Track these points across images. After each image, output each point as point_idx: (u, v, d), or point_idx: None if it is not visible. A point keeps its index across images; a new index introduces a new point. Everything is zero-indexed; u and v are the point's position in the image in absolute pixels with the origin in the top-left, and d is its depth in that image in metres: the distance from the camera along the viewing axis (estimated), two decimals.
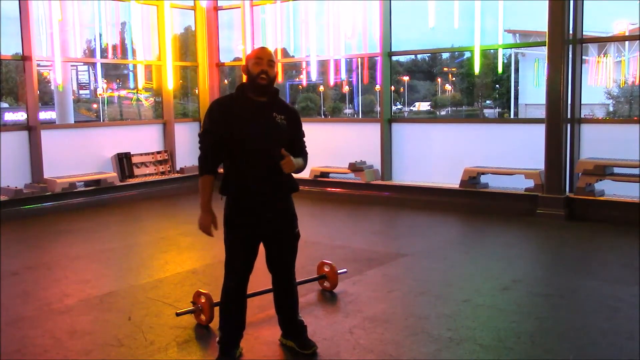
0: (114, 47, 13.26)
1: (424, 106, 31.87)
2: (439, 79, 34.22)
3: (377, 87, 11.43)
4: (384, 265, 5.72)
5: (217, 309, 4.09)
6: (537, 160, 7.85)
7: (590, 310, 4.50)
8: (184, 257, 6.29)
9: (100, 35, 13.95)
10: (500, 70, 17.68)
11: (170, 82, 10.52)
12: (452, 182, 8.47)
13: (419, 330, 4.08)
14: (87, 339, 4.06)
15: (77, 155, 9.36)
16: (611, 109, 22.46)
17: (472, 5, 8.42)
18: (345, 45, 9.74)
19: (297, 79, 25.36)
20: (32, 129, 8.77)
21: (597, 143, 7.68)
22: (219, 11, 11.05)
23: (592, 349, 3.79)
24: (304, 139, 3.75)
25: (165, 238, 7.12)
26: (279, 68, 10.31)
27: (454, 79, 33.15)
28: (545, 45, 7.71)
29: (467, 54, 22.33)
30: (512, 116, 25.61)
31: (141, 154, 10.06)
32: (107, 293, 5.02)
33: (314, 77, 11.11)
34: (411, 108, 32.30)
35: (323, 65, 10.55)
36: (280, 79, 10.92)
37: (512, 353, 3.71)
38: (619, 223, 7.10)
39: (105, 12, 10.38)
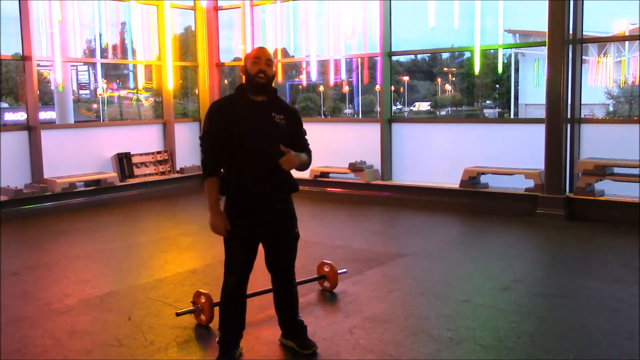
0: (114, 47, 13.27)
1: (424, 106, 31.87)
2: (439, 79, 34.23)
3: (377, 87, 11.43)
4: (384, 265, 5.72)
5: (217, 309, 4.09)
6: (537, 160, 7.85)
7: (590, 310, 4.50)
8: (184, 257, 6.29)
9: (100, 35, 13.96)
10: (500, 70, 17.67)
11: (170, 82, 10.52)
12: (452, 182, 8.47)
13: (419, 330, 4.08)
14: (87, 339, 4.06)
15: (77, 155, 9.36)
16: (611, 109, 22.47)
17: (472, 5, 8.43)
18: (345, 45, 9.74)
19: (297, 79, 25.35)
20: (32, 129, 8.77)
21: (597, 143, 7.68)
22: (219, 11, 11.05)
23: (592, 349, 3.79)
24: (306, 137, 3.74)
25: (165, 238, 7.12)
26: (279, 68, 10.32)
27: (454, 79, 33.16)
28: (545, 45, 7.71)
29: (467, 54, 22.34)
30: (512, 116, 25.62)
31: (141, 154, 10.07)
32: (107, 293, 5.02)
33: (314, 77, 11.12)
34: (411, 108, 32.31)
35: (323, 65, 10.56)
36: (280, 79, 10.94)
37: (512, 353, 3.71)
38: (619, 223, 7.10)
39: (105, 12, 10.39)
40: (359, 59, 13.17)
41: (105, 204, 9.18)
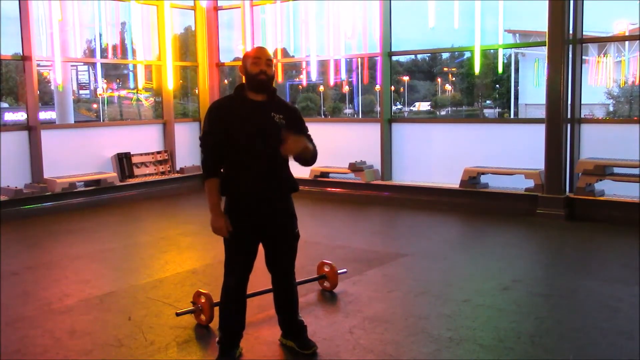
0: (114, 47, 13.27)
1: (424, 106, 31.87)
2: (439, 79, 34.22)
3: (377, 87, 11.43)
4: (384, 265, 5.72)
5: (217, 309, 4.10)
6: (537, 160, 7.85)
7: (590, 310, 4.50)
8: (184, 257, 6.29)
9: (100, 35, 13.97)
10: (500, 70, 17.67)
11: (170, 82, 10.52)
12: (452, 182, 8.47)
13: (419, 330, 4.08)
14: (87, 339, 4.06)
15: (77, 155, 9.36)
16: (611, 109, 22.46)
17: (472, 5, 8.43)
18: (345, 45, 9.74)
19: (297, 79, 25.34)
20: (32, 129, 8.77)
21: (597, 143, 7.68)
22: (219, 11, 11.05)
23: (592, 349, 3.79)
24: (309, 133, 3.73)
25: (165, 238, 7.12)
26: (279, 68, 10.32)
27: (454, 79, 33.15)
28: (545, 45, 7.71)
29: (467, 54, 22.34)
30: (512, 116, 25.61)
31: (141, 154, 10.07)
32: (107, 293, 5.02)
33: (314, 77, 11.11)
34: (411, 108, 32.30)
35: (323, 65, 10.56)
36: (280, 79, 10.94)
37: (512, 353, 3.71)
38: (619, 223, 7.10)
39: (105, 12, 10.39)
40: (359, 59, 13.17)
41: (105, 204, 9.18)
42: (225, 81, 13.62)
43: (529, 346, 3.81)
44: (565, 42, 7.53)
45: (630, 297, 4.66)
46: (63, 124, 12.17)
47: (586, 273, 5.52)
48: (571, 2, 7.48)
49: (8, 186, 8.33)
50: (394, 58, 12.85)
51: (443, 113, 30.65)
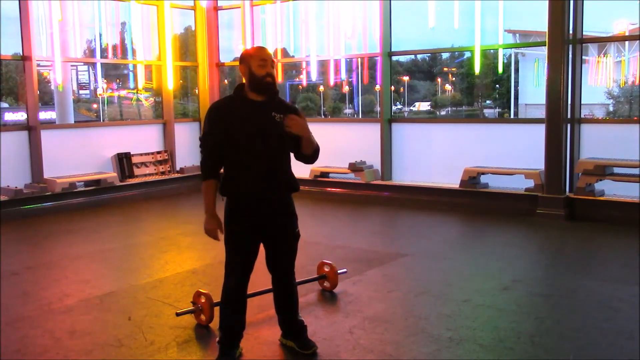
0: (114, 47, 13.26)
1: (424, 106, 31.86)
2: (439, 79, 34.22)
3: (377, 87, 11.43)
4: (384, 265, 5.72)
5: (217, 309, 4.09)
6: (537, 160, 7.85)
7: (590, 310, 4.50)
8: (184, 257, 6.29)
9: (100, 35, 13.96)
10: (500, 70, 17.67)
11: (170, 82, 10.52)
12: (452, 182, 8.47)
13: (419, 330, 4.08)
14: (87, 339, 4.06)
15: (77, 155, 9.36)
16: (611, 109, 22.46)
17: (472, 5, 8.43)
18: (345, 45, 9.74)
19: (297, 79, 25.34)
20: (32, 129, 8.77)
21: (597, 143, 7.68)
22: (219, 11, 11.05)
23: (592, 349, 3.79)
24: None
25: (165, 238, 7.12)
26: (279, 68, 10.32)
27: (454, 79, 33.15)
28: (545, 45, 7.71)
29: (467, 54, 22.33)
30: (512, 116, 25.61)
31: (141, 154, 10.07)
32: (107, 293, 5.02)
33: (314, 77, 11.11)
34: (411, 108, 32.30)
35: (323, 65, 10.56)
36: (280, 79, 10.93)
37: (512, 353, 3.71)
38: (619, 223, 7.10)
39: (105, 12, 10.39)
40: (359, 59, 13.17)
41: (105, 204, 9.18)
42: (225, 81, 13.61)
43: (529, 346, 3.81)
44: (565, 42, 7.53)
45: (630, 297, 4.66)
46: (63, 124, 12.18)
47: (586, 273, 5.52)
48: (571, 2, 7.48)
49: (8, 186, 8.33)
50: (394, 58, 12.86)
51: (443, 113, 30.64)
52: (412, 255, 6.05)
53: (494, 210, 7.97)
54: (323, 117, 27.15)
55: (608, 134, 7.76)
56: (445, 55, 31.25)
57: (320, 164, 9.59)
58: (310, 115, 26.64)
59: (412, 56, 30.64)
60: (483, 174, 8.25)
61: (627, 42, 20.87)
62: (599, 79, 19.84)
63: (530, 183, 7.84)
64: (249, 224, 3.54)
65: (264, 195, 3.54)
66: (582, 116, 8.05)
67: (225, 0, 11.02)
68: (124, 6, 10.20)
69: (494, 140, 8.60)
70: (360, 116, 27.50)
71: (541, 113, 8.15)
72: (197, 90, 11.46)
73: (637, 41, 19.37)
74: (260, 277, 4.06)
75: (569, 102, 7.65)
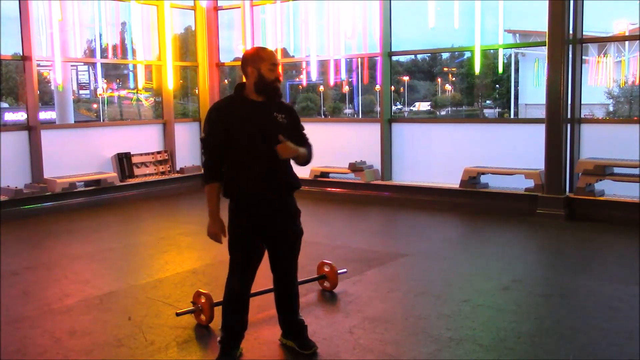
0: (114, 47, 13.26)
1: (424, 106, 31.87)
2: (439, 79, 34.22)
3: (377, 87, 11.43)
4: (384, 265, 5.72)
5: (217, 309, 4.10)
6: (537, 160, 7.85)
7: (590, 310, 4.50)
8: (184, 257, 6.29)
9: (100, 35, 13.96)
10: (500, 70, 17.69)
11: (170, 82, 10.52)
12: (452, 182, 8.47)
13: (419, 330, 4.08)
14: (87, 339, 4.06)
15: (77, 155, 9.36)
16: (611, 109, 22.46)
17: (472, 5, 8.42)
18: (345, 45, 9.73)
19: (297, 79, 25.34)
20: (32, 129, 8.77)
21: (597, 143, 7.68)
22: (219, 11, 11.05)
23: (592, 349, 3.79)
24: (304, 131, 3.75)
25: (165, 238, 7.12)
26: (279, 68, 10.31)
27: (454, 79, 33.15)
28: (545, 45, 7.71)
29: (467, 54, 22.33)
30: (512, 116, 25.61)
31: (141, 154, 10.07)
32: (107, 293, 5.02)
33: (314, 77, 11.11)
34: (411, 108, 32.31)
35: (323, 65, 10.56)
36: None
37: (512, 353, 3.71)
38: (619, 223, 7.10)
39: (105, 12, 10.39)
40: (359, 59, 13.17)
41: (105, 204, 9.18)
42: (225, 81, 13.62)
43: (529, 346, 3.81)
44: (565, 42, 7.53)
45: (630, 297, 4.66)
46: (63, 124, 12.19)
47: (586, 273, 5.52)
48: (571, 2, 7.48)
49: (8, 186, 8.33)
50: (394, 58, 12.85)
51: (443, 113, 30.65)
52: (412, 255, 6.05)
53: (494, 210, 7.96)
54: (323, 117, 27.16)
55: (608, 134, 7.76)
56: (445, 55, 31.27)
57: (320, 164, 9.65)
58: (310, 115, 26.68)
59: (412, 56, 30.65)
60: (483, 174, 8.25)
61: (627, 42, 20.87)
62: (599, 79, 19.85)
63: (530, 183, 7.84)
64: (250, 225, 3.54)
65: (264, 196, 3.54)
66: (582, 116, 8.05)
67: (225, 0, 11.02)
68: (124, 6, 10.20)
69: (494, 140, 8.60)
70: (360, 116, 27.50)
71: (541, 113, 8.15)
72: (197, 90, 11.46)
73: (637, 41, 19.37)
74: (261, 277, 4.04)
75: (569, 102, 7.65)
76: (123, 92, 26.24)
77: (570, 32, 7.54)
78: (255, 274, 3.65)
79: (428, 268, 5.68)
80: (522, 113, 24.56)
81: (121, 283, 5.34)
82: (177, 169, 10.49)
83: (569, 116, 7.66)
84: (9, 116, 22.45)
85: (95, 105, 27.04)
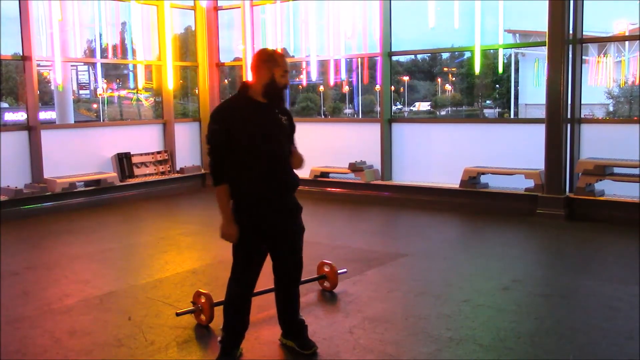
0: (114, 47, 13.26)
1: (424, 106, 31.86)
2: (439, 79, 34.21)
3: (377, 87, 11.42)
4: (384, 265, 5.72)
5: (217, 309, 4.10)
6: (537, 160, 7.85)
7: (590, 310, 4.50)
8: (184, 257, 6.29)
9: (100, 35, 13.96)
10: (500, 70, 17.65)
11: (170, 82, 10.52)
12: (452, 182, 8.47)
13: (419, 330, 4.08)
14: (87, 339, 4.06)
15: (77, 155, 9.36)
16: (611, 109, 22.45)
17: (472, 5, 8.42)
18: (345, 45, 9.73)
19: (297, 79, 25.32)
20: (32, 129, 8.77)
21: (597, 143, 7.68)
22: (219, 11, 11.05)
23: (592, 349, 3.79)
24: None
25: (165, 238, 7.12)
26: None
27: (454, 79, 33.14)
28: (545, 45, 7.71)
29: (467, 54, 22.32)
30: (512, 116, 25.59)
31: (141, 154, 10.07)
32: (107, 293, 5.02)
33: (314, 77, 11.11)
34: (411, 108, 32.30)
35: (323, 65, 10.55)
36: None
37: (512, 353, 3.71)
38: (619, 223, 7.10)
39: (105, 12, 10.38)
40: (359, 59, 13.16)
41: (105, 204, 9.18)
42: (225, 81, 13.61)
43: (529, 346, 3.81)
44: (565, 42, 7.53)
45: (630, 297, 4.66)
46: (63, 124, 12.18)
47: (586, 273, 5.52)
48: (571, 2, 7.48)
49: (8, 186, 8.33)
50: (394, 58, 12.84)
51: (443, 113, 30.64)
52: (412, 255, 6.05)
53: (494, 210, 7.96)
54: (323, 117, 27.15)
55: (608, 134, 7.76)
56: (445, 55, 31.24)
57: (320, 164, 9.66)
58: (310, 115, 26.68)
59: (412, 56, 30.60)
60: (483, 174, 8.25)
61: (627, 42, 20.85)
62: (599, 79, 19.83)
63: (530, 183, 7.84)
64: (250, 225, 3.53)
65: (265, 196, 3.53)
66: (582, 116, 8.05)
67: (225, 0, 11.02)
68: (124, 6, 10.20)
69: (494, 140, 8.60)
70: (360, 116, 27.49)
71: (541, 113, 8.15)
72: (197, 90, 11.45)
73: (637, 41, 19.36)
74: (260, 277, 4.04)
75: (569, 102, 7.65)
76: (123, 92, 26.24)
77: (570, 32, 7.55)
78: (258, 275, 3.65)
79: (428, 268, 5.68)
80: (522, 113, 24.54)
81: (121, 283, 5.34)
82: (177, 169, 10.49)
83: (569, 116, 7.66)
84: (9, 116, 22.46)
85: (95, 105, 27.04)
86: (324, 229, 7.50)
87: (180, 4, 10.85)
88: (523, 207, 7.83)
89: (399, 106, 31.05)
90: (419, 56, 31.22)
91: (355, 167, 9.25)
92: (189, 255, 6.41)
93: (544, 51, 8.04)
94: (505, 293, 4.86)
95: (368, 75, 14.43)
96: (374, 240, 6.94)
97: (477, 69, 9.13)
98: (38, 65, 8.94)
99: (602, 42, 17.70)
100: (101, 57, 15.93)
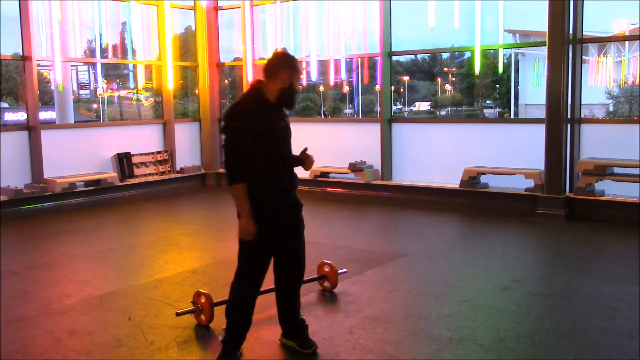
0: (114, 47, 13.26)
1: (424, 106, 31.87)
2: (439, 79, 34.23)
3: (377, 87, 11.43)
4: (384, 265, 5.72)
5: (217, 309, 4.11)
6: (537, 160, 7.85)
7: (590, 310, 4.50)
8: (184, 257, 6.29)
9: (100, 35, 13.96)
10: (500, 70, 17.66)
11: (170, 82, 10.52)
12: (452, 182, 8.47)
13: (419, 330, 4.08)
14: (87, 339, 4.06)
15: (77, 155, 9.36)
16: (611, 109, 22.45)
17: (472, 5, 8.42)
18: (345, 45, 9.73)
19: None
20: (32, 129, 8.77)
21: (597, 143, 7.68)
22: (219, 11, 11.05)
23: (592, 349, 3.79)
24: None
25: (165, 238, 7.12)
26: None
27: (454, 79, 33.15)
28: (545, 45, 7.71)
29: (467, 54, 22.33)
30: (512, 116, 25.60)
31: (141, 154, 10.06)
32: (107, 293, 5.02)
33: (314, 77, 11.11)
34: (411, 108, 32.31)
35: (323, 65, 10.55)
36: None
37: (512, 353, 3.71)
38: (619, 223, 7.10)
39: (105, 12, 10.38)
40: (359, 59, 13.16)
41: (105, 204, 9.18)
42: (225, 81, 13.61)
43: (529, 346, 3.81)
44: (565, 42, 7.53)
45: (630, 297, 4.66)
46: (63, 124, 12.18)
47: (586, 273, 5.52)
48: (571, 2, 7.48)
49: (8, 186, 8.33)
50: (394, 58, 12.85)
51: (443, 113, 30.65)
52: (412, 255, 6.05)
53: (494, 210, 7.96)
54: (323, 117, 27.16)
55: (608, 134, 7.76)
56: (445, 55, 31.27)
57: (320, 164, 9.61)
58: (310, 115, 26.68)
59: (412, 56, 30.63)
60: (483, 174, 8.25)
61: (627, 42, 20.85)
62: (599, 79, 19.83)
63: (530, 183, 7.84)
64: (269, 229, 3.52)
65: (277, 196, 3.56)
66: (582, 116, 8.05)
67: (225, 0, 11.02)
68: (124, 6, 10.20)
69: (494, 140, 8.60)
70: (360, 116, 27.50)
71: (541, 113, 8.15)
72: (197, 90, 11.45)
73: (637, 41, 19.36)
74: None
75: (569, 102, 7.65)
76: (123, 92, 26.24)
77: (570, 32, 7.54)
78: (265, 275, 3.65)
79: (428, 268, 5.68)
80: (522, 113, 24.55)
81: (121, 283, 5.34)
82: (177, 169, 10.49)
83: (569, 116, 7.66)
84: (9, 116, 22.46)
85: (95, 105, 27.05)
86: (324, 229, 7.50)
87: (180, 4, 10.85)
88: (523, 207, 7.83)
89: (399, 106, 31.07)
90: (419, 56, 31.26)
91: (355, 167, 9.25)
92: (189, 255, 6.41)
93: (544, 51, 8.04)
94: (505, 293, 4.86)
95: (368, 75, 14.44)
96: (374, 240, 6.94)
97: (477, 69, 9.13)
98: (38, 65, 8.94)
99: (602, 42, 17.71)
100: (101, 57, 15.93)
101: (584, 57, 8.25)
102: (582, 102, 7.88)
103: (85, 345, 3.95)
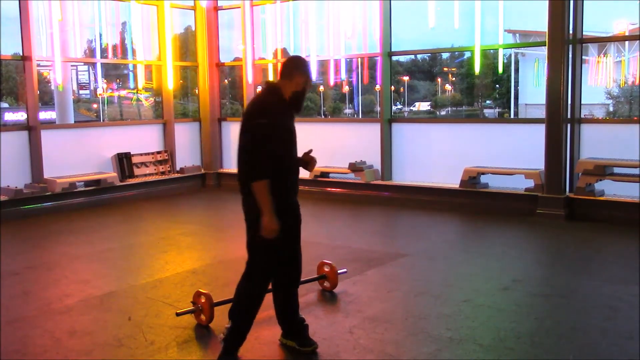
0: (114, 47, 13.25)
1: (424, 106, 31.88)
2: (439, 79, 34.23)
3: (377, 87, 11.43)
4: (384, 265, 5.72)
5: (217, 309, 4.11)
6: (537, 160, 7.85)
7: (590, 310, 4.50)
8: (184, 257, 6.29)
9: (100, 35, 13.96)
10: (500, 70, 17.66)
11: (170, 82, 10.52)
12: (452, 182, 8.47)
13: (419, 330, 4.08)
14: (87, 339, 4.06)
15: (77, 155, 9.36)
16: (611, 109, 22.45)
17: (472, 5, 8.42)
18: (345, 45, 9.73)
19: None
20: (32, 129, 8.77)
21: (597, 143, 7.68)
22: (219, 11, 11.05)
23: (592, 349, 3.79)
24: None
25: (165, 238, 7.12)
26: (279, 68, 10.30)
27: (454, 79, 33.15)
28: (545, 45, 7.71)
29: (467, 54, 22.32)
30: (512, 116, 25.60)
31: (141, 154, 10.07)
32: (107, 293, 5.02)
33: (314, 77, 11.09)
34: (411, 108, 32.31)
35: (323, 65, 10.55)
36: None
37: (512, 353, 3.71)
38: (619, 223, 7.10)
39: (105, 12, 10.38)
40: (359, 59, 13.16)
41: (105, 204, 9.18)
42: (225, 81, 13.61)
43: (529, 346, 3.81)
44: (565, 42, 7.53)
45: (630, 297, 4.66)
46: (63, 124, 12.16)
47: (586, 273, 5.52)
48: (571, 2, 7.48)
49: (8, 186, 8.33)
50: (394, 58, 12.85)
51: (443, 113, 30.65)
52: (412, 255, 6.05)
53: (494, 210, 7.96)
54: (323, 117, 27.16)
55: (608, 134, 7.76)
56: (445, 55, 31.26)
57: (320, 164, 9.59)
58: (310, 115, 26.67)
59: (412, 56, 30.63)
60: (483, 174, 8.25)
61: (627, 42, 20.85)
62: (599, 79, 19.83)
63: (530, 183, 7.84)
64: (283, 224, 3.52)
65: (290, 195, 3.63)
66: (582, 116, 8.05)
67: (225, 0, 11.01)
68: (124, 6, 10.20)
69: (494, 140, 8.60)
70: (360, 116, 27.50)
71: (541, 113, 8.15)
72: (197, 90, 11.46)
73: (637, 41, 19.36)
74: None
75: (569, 102, 7.65)
76: (123, 92, 26.24)
77: (570, 32, 7.55)
78: (275, 276, 3.70)
79: (428, 268, 5.68)
80: (522, 113, 24.55)
81: (121, 283, 5.34)
82: (177, 169, 10.49)
83: (569, 116, 7.66)
84: (9, 116, 22.46)
85: (95, 105, 27.04)
86: (324, 229, 7.50)
87: (180, 4, 10.85)
88: (523, 207, 7.83)
89: (399, 106, 31.07)
90: (419, 56, 31.26)
91: (355, 167, 9.25)
92: (189, 255, 6.41)
93: (544, 51, 8.04)
94: (505, 293, 4.86)
95: (368, 75, 14.44)
96: (374, 240, 6.94)
97: (477, 69, 9.13)
98: (38, 65, 8.94)
99: (602, 42, 17.71)
100: (101, 57, 15.92)
101: (584, 57, 8.25)
102: (582, 102, 7.88)
103: (85, 345, 3.95)
